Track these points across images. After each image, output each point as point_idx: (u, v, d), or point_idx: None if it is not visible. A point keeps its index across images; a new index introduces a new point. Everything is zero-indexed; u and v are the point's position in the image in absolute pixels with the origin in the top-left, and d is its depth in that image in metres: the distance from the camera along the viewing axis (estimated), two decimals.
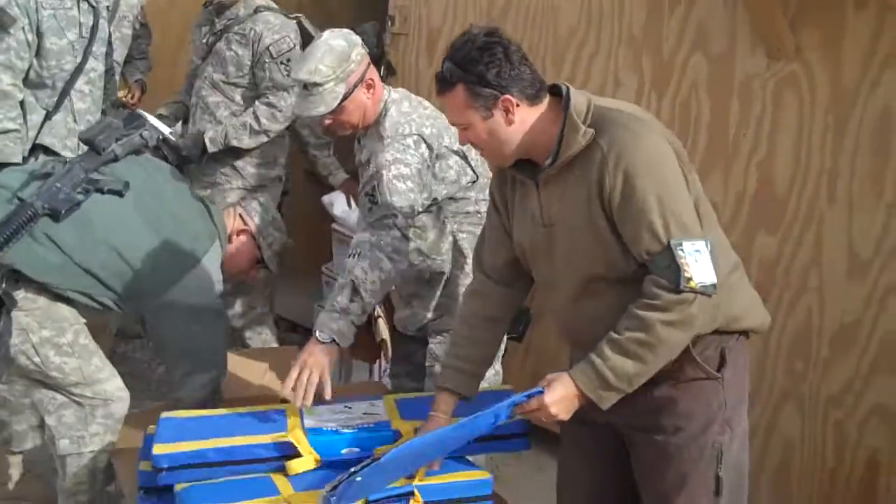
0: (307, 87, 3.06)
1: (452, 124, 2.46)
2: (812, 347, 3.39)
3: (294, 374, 2.83)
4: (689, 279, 2.19)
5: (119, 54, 3.91)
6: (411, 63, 4.58)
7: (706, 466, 2.39)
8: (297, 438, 2.72)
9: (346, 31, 3.19)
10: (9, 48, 3.60)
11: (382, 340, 3.46)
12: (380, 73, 4.58)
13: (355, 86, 3.09)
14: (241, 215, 3.38)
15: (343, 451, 2.75)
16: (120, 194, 3.02)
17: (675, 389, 2.38)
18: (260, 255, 3.39)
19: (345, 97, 3.07)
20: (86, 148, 3.07)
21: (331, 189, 4.67)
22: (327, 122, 3.15)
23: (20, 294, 2.94)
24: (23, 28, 3.61)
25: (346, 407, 2.96)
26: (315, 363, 2.84)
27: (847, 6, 3.23)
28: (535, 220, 2.43)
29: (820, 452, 3.44)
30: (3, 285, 2.89)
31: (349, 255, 3.02)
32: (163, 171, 3.34)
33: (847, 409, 3.36)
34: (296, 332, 5.30)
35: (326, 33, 3.15)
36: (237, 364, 3.47)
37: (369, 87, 3.14)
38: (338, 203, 4.54)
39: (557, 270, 2.43)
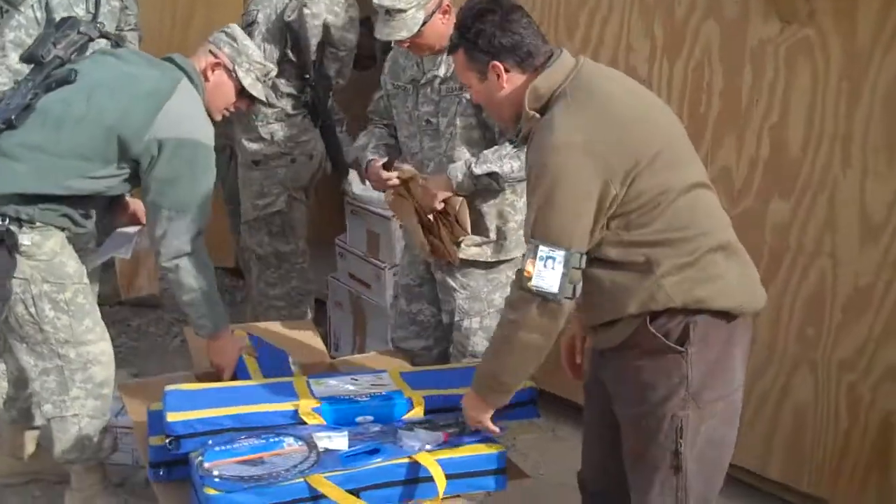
0: (389, 13, 3.23)
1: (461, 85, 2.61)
2: (825, 311, 3.38)
3: None
4: (528, 279, 2.31)
5: (109, 27, 3.92)
6: None
7: (664, 439, 2.42)
8: (308, 406, 2.75)
9: None
10: (19, 25, 3.62)
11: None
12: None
13: (433, 12, 3.27)
14: (210, 50, 3.34)
15: (358, 420, 2.78)
16: (68, 81, 3.07)
17: (641, 359, 2.42)
18: (239, 83, 3.36)
19: (423, 23, 3.24)
20: None
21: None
22: (406, 44, 3.31)
23: (26, 239, 3.00)
24: (32, 5, 3.62)
25: (352, 379, 2.99)
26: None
27: None
28: None
29: (833, 416, 3.45)
30: (7, 222, 2.96)
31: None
32: (123, 52, 3.38)
33: (860, 373, 3.36)
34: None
35: None
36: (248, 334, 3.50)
37: (445, 12, 3.31)
38: (355, 182, 4.53)
39: None
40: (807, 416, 3.50)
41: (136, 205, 3.43)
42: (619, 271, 2.39)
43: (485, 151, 3.32)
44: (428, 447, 2.66)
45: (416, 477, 2.61)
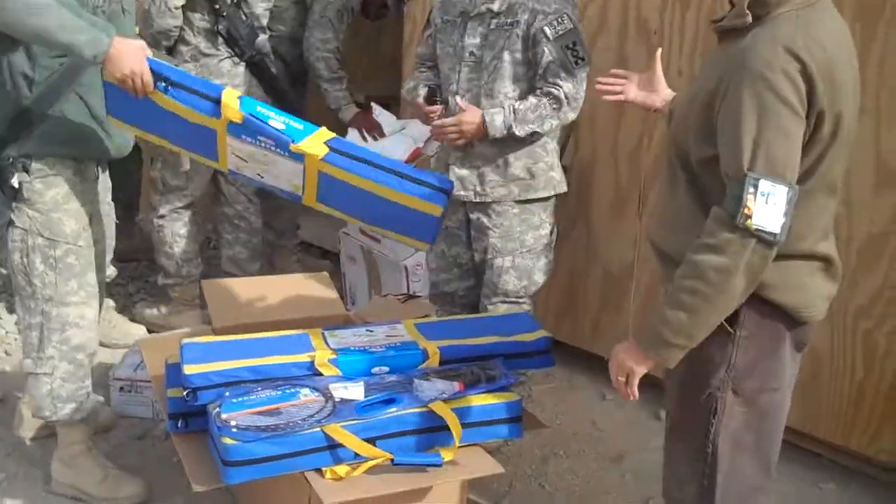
0: None
1: None
2: (840, 258, 3.36)
3: None
4: (748, 217, 2.09)
5: None
6: None
7: (700, 414, 2.34)
8: (324, 358, 2.76)
9: None
10: None
11: None
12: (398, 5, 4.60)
13: None
14: None
15: (374, 370, 2.79)
16: None
17: None
18: None
19: None
20: None
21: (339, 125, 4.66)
22: None
23: (29, 186, 3.04)
24: None
25: (367, 330, 3.00)
26: None
27: None
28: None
29: (849, 364, 3.45)
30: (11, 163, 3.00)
31: None
32: None
33: (876, 320, 3.36)
34: (325, 259, 5.32)
35: None
36: (266, 287, 3.52)
37: None
38: (356, 140, 4.52)
39: (671, 127, 2.48)
40: (823, 363, 3.50)
41: None
42: (715, 201, 2.18)
43: (522, 107, 3.38)
44: (445, 396, 2.67)
45: (432, 426, 2.63)
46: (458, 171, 3.54)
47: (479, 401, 2.70)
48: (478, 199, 3.54)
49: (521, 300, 3.62)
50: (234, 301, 3.43)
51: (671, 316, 2.19)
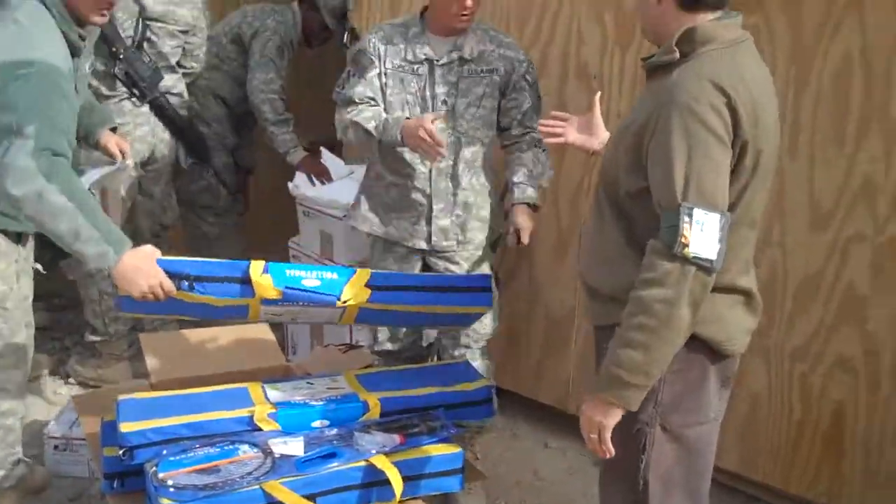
0: None
1: None
2: (776, 300, 3.40)
3: None
4: (685, 246, 2.11)
5: None
6: None
7: (629, 450, 2.36)
8: (263, 412, 2.72)
9: None
10: None
11: None
12: (343, 39, 4.59)
13: None
14: None
15: (314, 424, 2.76)
16: None
17: None
18: None
19: None
20: None
21: (290, 167, 4.63)
22: (469, 4, 3.34)
23: None
24: None
25: (308, 383, 2.97)
26: None
27: None
28: None
29: (786, 405, 3.47)
30: None
31: None
32: None
33: (812, 361, 3.39)
34: None
35: None
36: (204, 339, 3.46)
37: None
38: (303, 185, 4.49)
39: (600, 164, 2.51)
40: (761, 405, 3.52)
41: (108, 140, 3.39)
42: (644, 234, 2.23)
43: (535, 170, 3.53)
44: (386, 449, 2.64)
45: (373, 480, 2.60)
46: (440, 223, 3.53)
47: (421, 453, 2.68)
48: (459, 248, 3.56)
49: (485, 343, 3.67)
50: (171, 354, 3.36)
51: (624, 356, 2.19)
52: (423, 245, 3.56)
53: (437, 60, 3.44)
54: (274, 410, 2.75)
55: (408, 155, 3.45)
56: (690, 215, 2.11)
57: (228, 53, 4.63)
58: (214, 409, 2.74)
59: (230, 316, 2.86)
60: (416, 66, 3.45)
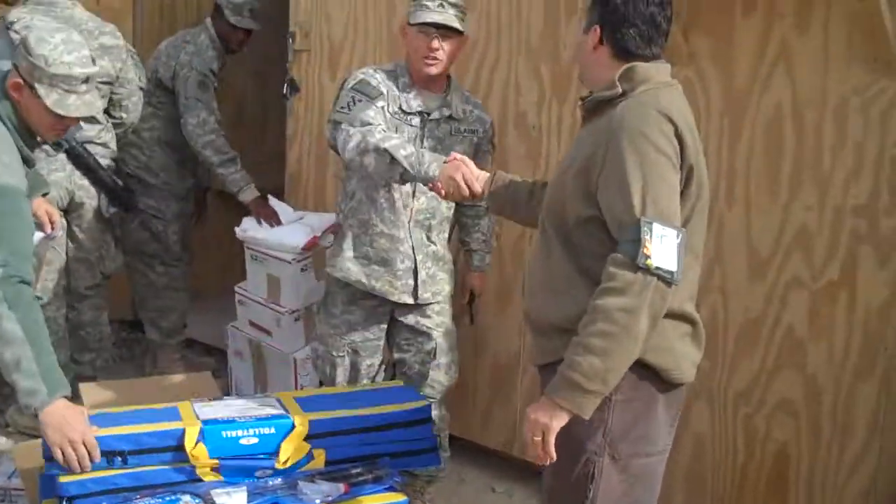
0: (444, 5, 3.30)
1: None
2: (718, 345, 3.46)
3: None
4: (648, 257, 2.17)
5: None
6: (314, 79, 4.57)
7: (577, 481, 2.37)
8: (191, 427, 2.70)
9: None
10: None
11: None
12: (283, 90, 4.61)
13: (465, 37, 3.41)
14: (14, 65, 2.95)
15: (257, 474, 2.74)
16: None
17: None
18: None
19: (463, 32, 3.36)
20: None
21: (242, 207, 4.63)
22: (438, 49, 3.30)
23: None
24: None
25: (239, 402, 2.96)
26: None
27: (735, 12, 3.32)
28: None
29: (731, 447, 3.52)
30: None
31: None
32: None
33: (755, 404, 3.44)
34: (210, 356, 5.21)
35: None
36: (145, 389, 3.43)
37: (461, 46, 3.42)
38: (251, 228, 4.47)
39: (543, 202, 2.53)
40: (706, 448, 3.56)
41: (38, 207, 3.35)
42: (594, 263, 2.29)
43: (481, 238, 3.75)
44: (330, 499, 2.63)
45: None
46: (421, 275, 3.51)
47: (366, 502, 2.67)
48: (434, 300, 3.56)
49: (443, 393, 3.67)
50: (112, 403, 3.34)
51: (583, 361, 2.20)
52: (408, 300, 3.50)
53: (429, 115, 3.42)
54: (217, 465, 2.72)
55: (399, 203, 3.42)
56: (651, 229, 2.19)
57: (159, 98, 4.65)
58: (143, 423, 2.72)
59: (173, 480, 2.74)
60: (409, 117, 3.41)
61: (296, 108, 4.66)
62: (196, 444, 2.68)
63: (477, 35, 3.96)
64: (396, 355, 3.65)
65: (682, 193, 2.30)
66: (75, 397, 4.10)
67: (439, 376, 3.59)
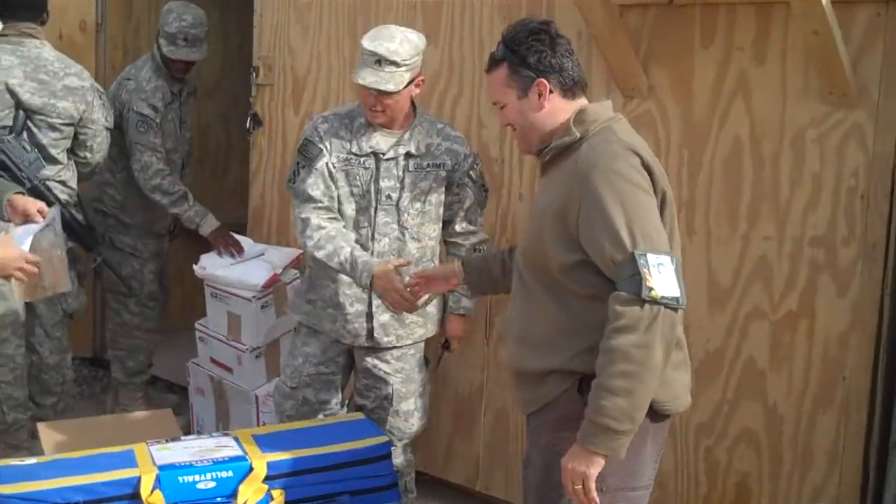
0: (381, 63, 3.22)
1: (493, 103, 2.58)
2: None
3: None
4: (651, 289, 2.20)
5: None
6: (278, 113, 4.56)
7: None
8: (146, 475, 2.67)
9: (415, 31, 3.40)
10: None
11: None
12: (246, 124, 4.60)
13: (413, 79, 3.30)
14: None
15: (199, 486, 2.71)
16: None
17: (557, 434, 2.39)
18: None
19: (407, 84, 3.27)
20: None
21: (204, 242, 4.60)
22: (377, 103, 3.27)
23: None
24: None
25: (196, 444, 2.92)
26: None
27: (695, 45, 3.35)
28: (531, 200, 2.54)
29: (693, 479, 3.51)
30: None
31: None
32: None
33: (716, 436, 3.44)
34: (172, 392, 5.15)
35: (394, 26, 3.38)
36: (106, 427, 3.39)
37: (418, 86, 3.36)
38: (210, 266, 4.43)
39: (518, 251, 2.56)
40: (668, 480, 3.55)
41: (24, 203, 3.31)
42: (582, 306, 2.35)
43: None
44: None
45: None
46: (381, 319, 3.45)
47: None
48: (399, 343, 3.47)
49: (409, 440, 3.58)
50: (71, 444, 3.30)
51: (609, 405, 2.23)
52: (364, 343, 3.46)
53: (384, 154, 3.37)
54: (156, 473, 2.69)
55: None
56: (647, 260, 2.22)
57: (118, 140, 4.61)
58: (98, 471, 2.68)
59: None
60: (362, 159, 3.37)
61: (259, 143, 4.65)
62: (152, 491, 2.66)
63: (440, 69, 3.98)
64: (358, 401, 3.58)
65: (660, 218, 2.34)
66: (34, 437, 4.08)
67: (398, 423, 3.50)
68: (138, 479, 2.66)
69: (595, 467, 2.28)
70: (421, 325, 3.52)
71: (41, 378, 4.29)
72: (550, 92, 2.45)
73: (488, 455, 4.02)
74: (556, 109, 2.47)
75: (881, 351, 3.16)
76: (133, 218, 4.68)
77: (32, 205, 3.32)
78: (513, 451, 3.94)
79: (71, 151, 4.19)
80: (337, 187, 3.38)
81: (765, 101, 3.25)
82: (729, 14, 3.28)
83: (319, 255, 3.28)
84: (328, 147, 3.37)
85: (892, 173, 3.08)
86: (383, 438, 2.97)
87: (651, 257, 2.22)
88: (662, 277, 2.21)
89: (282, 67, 4.54)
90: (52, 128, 4.05)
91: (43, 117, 4.01)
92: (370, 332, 3.45)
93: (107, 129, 4.28)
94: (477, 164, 3.55)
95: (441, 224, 3.52)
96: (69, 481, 2.64)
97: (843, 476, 3.24)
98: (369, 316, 3.44)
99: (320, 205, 3.34)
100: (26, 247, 3.19)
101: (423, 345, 3.60)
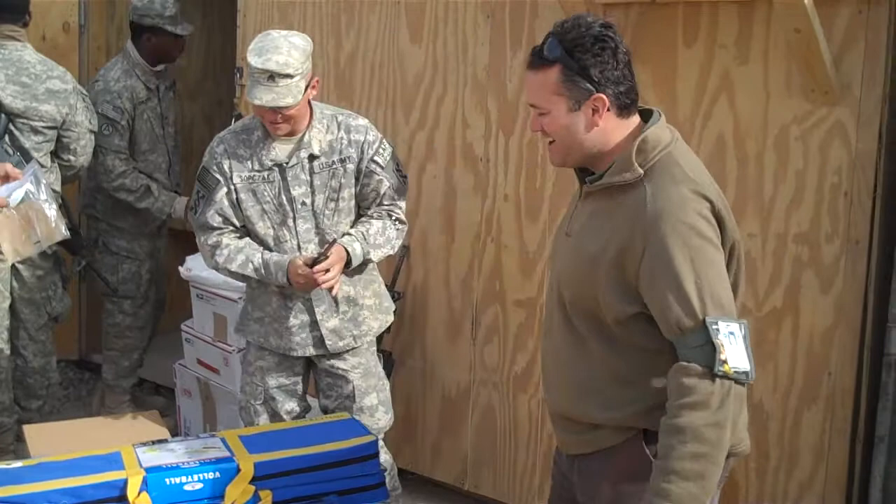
0: (274, 78, 3.11)
1: (531, 105, 2.26)
2: None
3: None
4: (725, 362, 2.02)
5: None
6: None
7: None
8: (133, 477, 2.66)
9: (297, 32, 3.29)
10: None
11: None
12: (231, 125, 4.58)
13: (308, 84, 3.21)
14: None
15: (186, 488, 2.71)
16: None
17: (623, 483, 2.21)
18: None
19: (302, 94, 3.19)
20: None
21: (191, 241, 4.58)
22: (278, 116, 3.18)
23: None
24: None
25: (183, 445, 2.92)
26: None
27: (677, 43, 3.36)
28: (564, 224, 2.35)
29: None
30: None
31: None
32: None
33: None
34: (159, 395, 5.14)
35: (275, 32, 3.25)
36: (92, 430, 3.39)
37: (314, 87, 3.27)
38: (196, 267, 4.41)
39: (553, 283, 2.33)
40: None
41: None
42: (642, 357, 2.16)
43: (371, 231, 3.36)
44: None
45: None
46: (328, 325, 3.40)
47: None
48: (358, 343, 3.44)
49: (381, 437, 3.50)
50: (57, 447, 3.28)
51: (679, 491, 2.03)
52: (313, 352, 3.42)
53: (287, 163, 3.30)
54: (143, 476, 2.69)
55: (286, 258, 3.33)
56: (718, 329, 2.04)
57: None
58: (85, 474, 2.68)
59: None
60: (266, 174, 3.30)
61: None
62: (139, 493, 2.65)
63: (423, 68, 3.98)
64: (322, 401, 3.55)
65: (727, 268, 2.17)
66: (19, 441, 4.07)
67: (364, 420, 3.42)
68: (125, 482, 2.65)
69: None
70: (372, 318, 3.48)
71: (26, 381, 4.28)
72: (607, 110, 2.17)
73: (476, 454, 4.02)
74: (609, 128, 2.19)
75: (865, 347, 3.18)
76: (124, 221, 4.68)
77: (10, 167, 3.30)
78: (500, 450, 3.95)
79: (55, 154, 4.19)
80: (245, 208, 3.34)
81: (748, 99, 3.26)
82: (711, 12, 3.29)
83: (233, 267, 3.31)
84: (228, 170, 3.31)
85: (875, 170, 3.11)
86: (370, 438, 2.97)
87: (722, 325, 2.03)
88: (734, 349, 2.03)
89: None
90: (35, 131, 4.04)
91: (25, 121, 4.00)
92: (319, 340, 3.40)
93: (90, 132, 4.27)
94: (384, 149, 3.40)
95: (354, 216, 3.43)
96: (56, 484, 2.63)
97: (828, 471, 3.25)
98: (314, 324, 3.40)
99: (224, 230, 3.36)
100: (13, 202, 3.17)
101: (374, 339, 3.57)
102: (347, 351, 3.45)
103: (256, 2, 4.50)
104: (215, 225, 3.34)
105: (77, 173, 4.36)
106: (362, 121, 3.43)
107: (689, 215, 2.09)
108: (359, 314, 3.44)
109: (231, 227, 3.37)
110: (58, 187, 4.25)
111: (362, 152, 3.36)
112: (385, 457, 3.55)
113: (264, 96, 3.12)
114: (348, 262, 3.29)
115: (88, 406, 4.96)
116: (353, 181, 3.36)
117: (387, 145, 3.43)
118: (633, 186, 2.16)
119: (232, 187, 3.32)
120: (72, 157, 4.23)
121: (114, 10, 5.45)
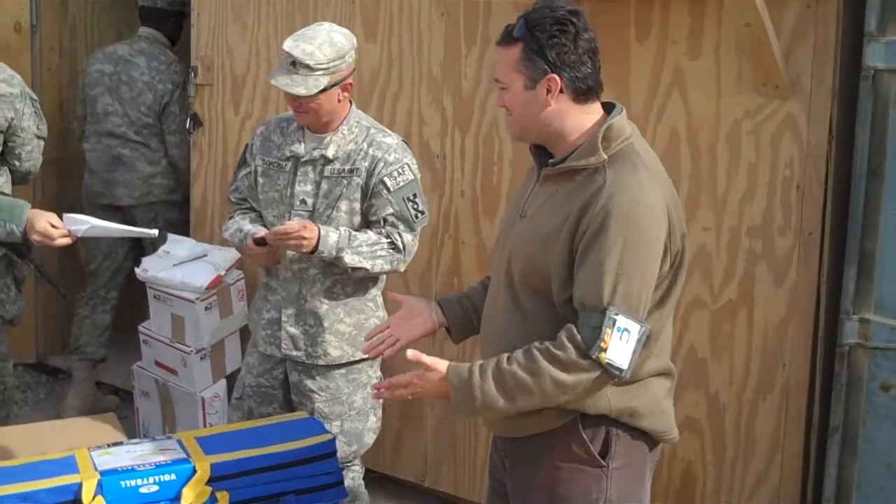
0: (295, 65, 3.09)
1: (496, 80, 2.33)
2: None
3: None
4: (603, 350, 2.11)
5: None
6: (217, 113, 4.53)
7: None
8: (88, 480, 2.64)
9: (346, 30, 3.25)
10: None
11: None
12: (187, 125, 4.57)
13: (336, 83, 3.15)
14: None
15: (142, 490, 2.69)
16: None
17: (558, 468, 2.27)
18: None
19: (324, 89, 3.11)
20: None
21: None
22: (297, 104, 3.16)
23: None
24: None
25: (139, 448, 2.90)
26: None
27: (630, 39, 3.38)
28: (518, 206, 2.38)
29: None
30: None
31: None
32: None
33: None
34: (117, 396, 5.10)
35: (327, 24, 3.24)
36: (47, 433, 3.35)
37: (345, 89, 3.21)
38: (152, 268, 4.38)
39: (502, 261, 2.36)
40: None
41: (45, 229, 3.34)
42: None
43: (361, 237, 3.18)
44: None
45: None
46: (290, 330, 3.31)
47: None
48: (309, 361, 3.30)
49: (349, 464, 3.37)
50: (12, 451, 3.25)
51: (491, 392, 2.17)
52: (275, 352, 3.35)
53: (302, 158, 3.25)
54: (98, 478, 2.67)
55: (279, 252, 3.25)
56: (614, 322, 2.12)
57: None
58: (39, 478, 2.66)
59: None
60: (283, 163, 3.28)
61: (199, 143, 4.62)
62: (94, 496, 2.62)
63: (378, 65, 3.98)
64: None
65: (673, 271, 2.25)
66: None
67: None
68: (80, 485, 2.63)
69: (433, 399, 2.32)
70: (335, 346, 3.30)
71: None
72: (560, 91, 2.23)
73: (436, 450, 4.03)
74: (563, 111, 2.25)
75: (819, 338, 3.22)
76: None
77: (53, 230, 3.31)
78: (461, 447, 3.96)
79: (1, 158, 4.13)
80: (261, 192, 3.34)
81: (700, 93, 3.29)
82: (663, 8, 3.32)
83: (226, 235, 3.43)
84: (256, 150, 3.36)
85: (826, 163, 3.14)
86: (328, 436, 2.96)
87: (621, 320, 2.12)
88: (620, 344, 2.12)
89: (220, 67, 4.50)
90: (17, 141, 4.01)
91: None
92: (279, 342, 3.35)
93: (38, 137, 4.21)
94: (401, 174, 3.21)
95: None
96: (9, 489, 2.60)
97: (784, 462, 3.29)
98: (278, 324, 3.34)
99: (239, 206, 3.43)
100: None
101: (361, 367, 3.36)
102: (317, 368, 3.31)
103: (210, 0, 4.48)
104: (234, 200, 3.45)
105: (25, 177, 4.30)
106: (392, 140, 3.27)
107: (642, 214, 2.16)
108: (320, 335, 3.29)
109: (247, 206, 3.42)
110: (8, 191, 4.20)
111: (373, 169, 3.20)
112: (352, 481, 3.43)
113: (281, 80, 3.11)
114: (317, 248, 3.12)
115: (45, 410, 4.91)
116: (356, 195, 3.22)
117: (408, 173, 3.23)
118: (595, 171, 2.22)
119: (254, 168, 3.36)
120: (17, 163, 4.16)
121: (66, 10, 5.39)
